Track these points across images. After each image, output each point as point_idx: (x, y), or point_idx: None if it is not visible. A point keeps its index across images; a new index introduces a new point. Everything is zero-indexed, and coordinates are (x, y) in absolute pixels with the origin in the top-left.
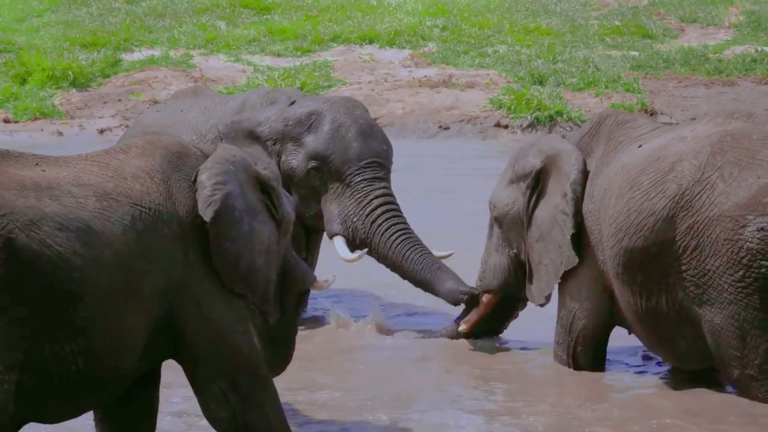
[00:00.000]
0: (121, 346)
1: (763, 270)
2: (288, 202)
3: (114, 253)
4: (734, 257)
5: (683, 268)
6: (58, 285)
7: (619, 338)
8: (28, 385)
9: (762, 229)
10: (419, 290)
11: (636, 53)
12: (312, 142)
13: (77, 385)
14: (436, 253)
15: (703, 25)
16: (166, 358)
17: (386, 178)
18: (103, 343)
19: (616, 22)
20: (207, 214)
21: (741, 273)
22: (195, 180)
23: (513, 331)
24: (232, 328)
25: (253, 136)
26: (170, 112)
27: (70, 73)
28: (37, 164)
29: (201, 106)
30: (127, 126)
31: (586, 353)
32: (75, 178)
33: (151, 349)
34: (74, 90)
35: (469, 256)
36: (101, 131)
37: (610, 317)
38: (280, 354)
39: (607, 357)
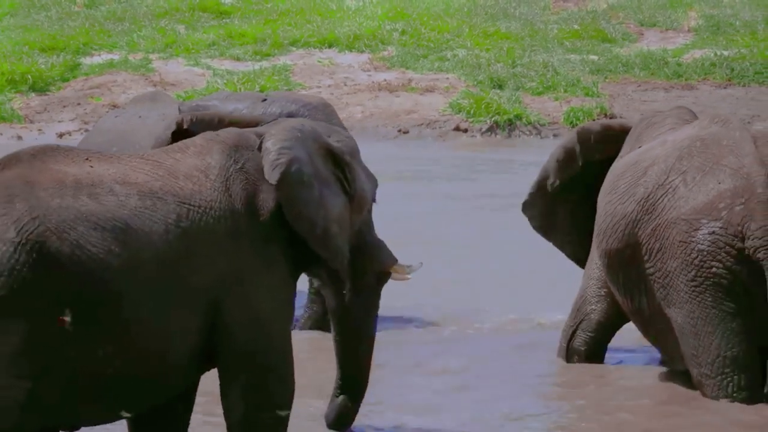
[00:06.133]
0: (166, 349)
1: (713, 269)
2: (367, 179)
3: (154, 253)
4: (687, 258)
5: (651, 270)
6: (91, 287)
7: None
8: (55, 390)
9: (713, 232)
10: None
11: (595, 57)
12: None
13: (114, 390)
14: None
15: (662, 29)
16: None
17: None
18: (143, 345)
19: (576, 26)
20: (273, 177)
21: (693, 273)
22: (260, 148)
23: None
24: (272, 325)
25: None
26: (128, 118)
27: (29, 77)
28: (87, 159)
29: (160, 112)
30: (86, 130)
31: (584, 337)
32: (122, 175)
33: (203, 352)
34: (33, 94)
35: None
36: (60, 135)
37: (618, 311)
38: (362, 333)
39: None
